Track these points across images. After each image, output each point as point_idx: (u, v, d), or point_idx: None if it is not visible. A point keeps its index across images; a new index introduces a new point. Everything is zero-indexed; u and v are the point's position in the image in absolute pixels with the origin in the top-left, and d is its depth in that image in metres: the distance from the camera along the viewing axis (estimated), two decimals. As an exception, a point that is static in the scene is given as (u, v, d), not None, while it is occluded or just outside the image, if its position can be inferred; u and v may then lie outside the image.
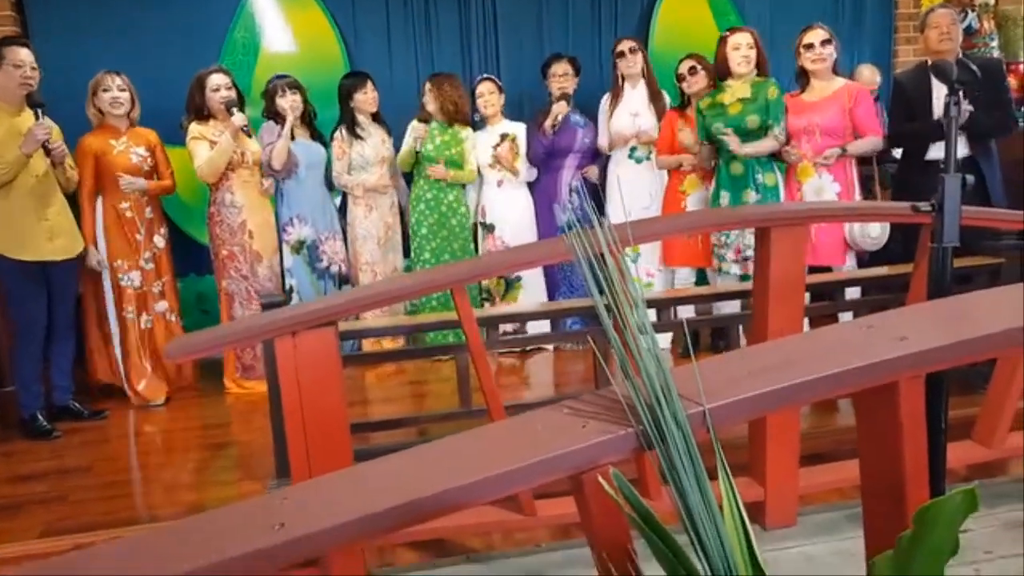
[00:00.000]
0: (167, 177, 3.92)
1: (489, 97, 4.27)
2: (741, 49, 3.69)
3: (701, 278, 4.11)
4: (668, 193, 4.12)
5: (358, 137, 4.18)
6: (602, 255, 0.96)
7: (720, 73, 3.79)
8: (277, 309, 1.97)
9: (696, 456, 0.85)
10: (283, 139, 3.87)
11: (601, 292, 0.97)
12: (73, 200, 3.66)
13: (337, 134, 4.14)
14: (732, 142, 3.62)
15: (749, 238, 3.68)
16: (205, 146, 3.82)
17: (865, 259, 3.94)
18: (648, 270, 4.23)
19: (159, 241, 3.89)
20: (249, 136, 3.93)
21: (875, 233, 3.59)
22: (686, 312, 3.91)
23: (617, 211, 4.11)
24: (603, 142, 4.30)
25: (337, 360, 1.98)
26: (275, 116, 3.99)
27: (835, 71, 3.73)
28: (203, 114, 3.86)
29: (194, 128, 3.84)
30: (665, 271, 4.23)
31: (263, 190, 4.00)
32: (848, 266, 3.71)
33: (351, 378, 4.20)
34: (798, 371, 0.91)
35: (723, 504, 0.84)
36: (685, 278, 4.14)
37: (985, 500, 2.27)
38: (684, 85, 4.01)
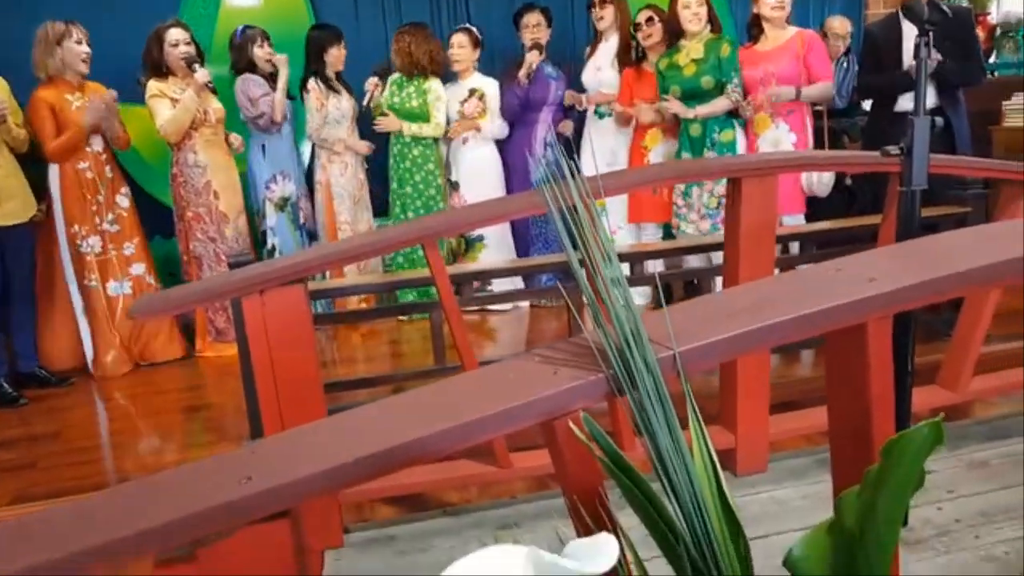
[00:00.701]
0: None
1: (459, 51, 4.19)
2: (691, 7, 3.69)
3: (668, 234, 4.13)
4: (632, 150, 4.12)
5: (333, 90, 4.09)
6: (574, 207, 0.95)
7: (673, 30, 3.79)
8: (246, 267, 1.93)
9: (666, 399, 0.85)
10: (282, 90, 3.81)
11: (575, 247, 0.95)
12: (24, 160, 3.52)
13: (312, 85, 4.03)
14: (676, 108, 3.64)
15: (706, 198, 3.71)
16: (166, 104, 3.72)
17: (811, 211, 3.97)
18: (613, 227, 4.24)
19: (122, 201, 3.79)
20: (214, 93, 3.83)
21: (827, 179, 3.67)
22: (656, 267, 3.92)
23: (588, 167, 4.10)
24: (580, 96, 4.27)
25: (307, 318, 1.96)
26: (249, 68, 3.89)
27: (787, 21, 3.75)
28: (162, 71, 3.75)
29: (153, 85, 3.73)
30: (631, 227, 4.23)
31: (234, 148, 3.91)
32: (799, 218, 3.75)
33: (326, 339, 4.19)
34: (767, 313, 0.91)
35: (694, 447, 0.84)
36: (652, 234, 4.15)
37: (949, 442, 2.33)
38: (640, 36, 3.99)
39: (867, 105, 4.10)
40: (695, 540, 0.77)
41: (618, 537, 0.83)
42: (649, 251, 3.14)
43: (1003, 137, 6.12)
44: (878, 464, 0.66)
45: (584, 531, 0.90)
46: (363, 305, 4.14)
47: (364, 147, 4.19)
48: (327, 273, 3.96)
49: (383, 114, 4.16)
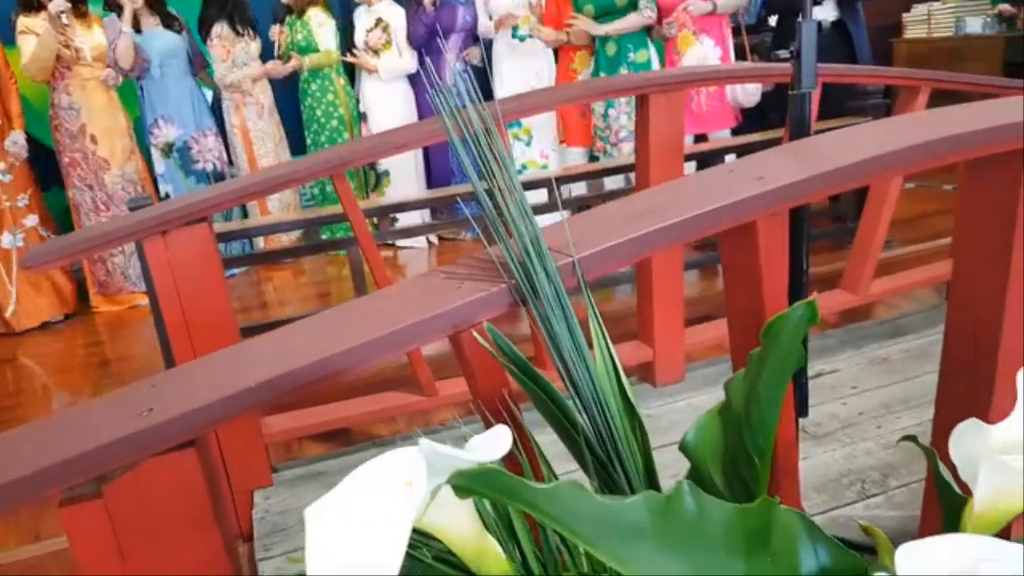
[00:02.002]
0: None
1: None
2: None
3: (595, 159, 4.15)
4: (560, 72, 4.08)
5: (239, 34, 3.90)
6: (484, 132, 0.94)
7: None
8: (144, 208, 1.86)
9: (567, 305, 0.87)
10: (125, 35, 3.55)
11: (481, 176, 0.95)
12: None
13: (217, 31, 3.84)
14: (584, 24, 3.62)
15: (624, 120, 3.74)
16: (33, 40, 3.49)
17: (740, 125, 4.05)
18: (543, 152, 4.23)
19: (13, 147, 3.57)
20: (90, 27, 3.60)
21: (751, 88, 3.73)
22: (580, 191, 3.96)
23: (504, 94, 4.06)
24: (486, 22, 4.18)
25: (216, 259, 1.91)
26: (117, 7, 3.67)
27: None
28: (32, 5, 3.50)
29: (22, 21, 3.46)
30: (561, 152, 4.23)
31: (109, 85, 3.69)
32: (726, 133, 3.82)
33: (248, 283, 4.10)
34: (661, 217, 0.93)
35: (595, 349, 0.86)
36: (578, 158, 4.16)
37: (853, 342, 2.45)
38: None
39: (773, 21, 4.15)
40: (598, 435, 0.79)
41: (523, 434, 0.86)
42: (565, 175, 3.15)
43: (904, 49, 6.29)
44: (760, 347, 0.69)
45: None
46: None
47: (281, 70, 4.01)
48: (249, 214, 3.86)
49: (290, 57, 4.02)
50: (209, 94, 4.18)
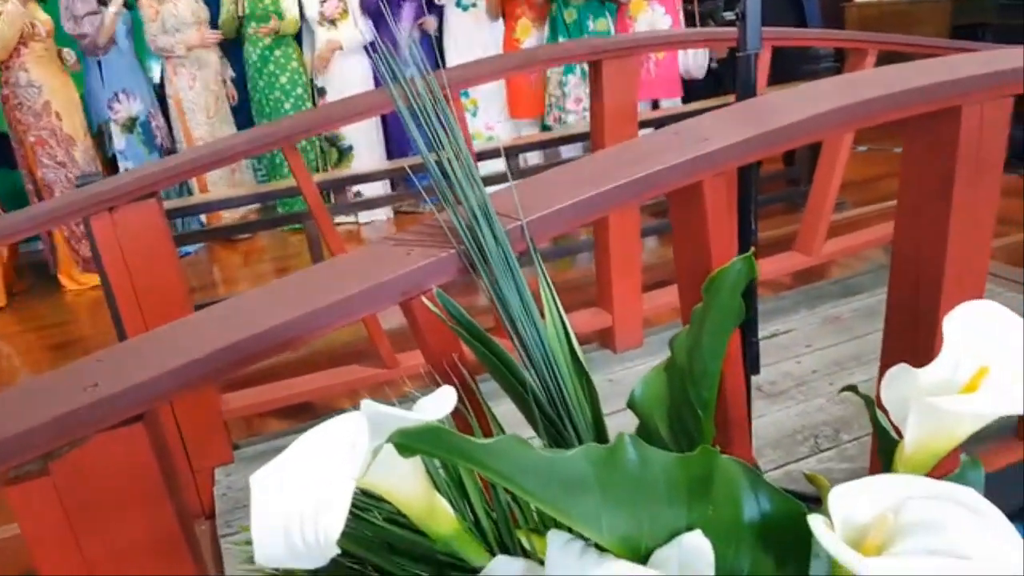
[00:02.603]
0: None
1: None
2: None
3: (547, 129, 4.14)
4: (505, 42, 4.05)
5: None
6: (431, 100, 0.93)
7: None
8: (90, 184, 1.82)
9: (516, 269, 0.87)
10: (115, 5, 3.47)
11: (431, 148, 0.94)
12: None
13: None
14: None
15: (583, 87, 3.73)
16: (-1, 19, 3.38)
17: (690, 94, 4.07)
18: (488, 123, 4.20)
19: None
20: (40, 2, 3.49)
21: (701, 60, 3.75)
22: (535, 161, 3.94)
23: (457, 62, 4.02)
24: None
25: (166, 235, 1.88)
26: None
27: None
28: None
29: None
30: (509, 123, 4.21)
31: (68, 65, 3.60)
32: (676, 101, 3.84)
33: (203, 262, 4.04)
34: (608, 179, 0.94)
35: (545, 311, 0.87)
36: (528, 130, 4.15)
37: (807, 302, 2.50)
38: None
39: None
40: (548, 395, 0.80)
41: (475, 400, 0.86)
42: (520, 144, 3.14)
43: (855, 13, 6.33)
44: (702, 302, 0.71)
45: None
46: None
47: (212, 37, 3.91)
48: (195, 190, 3.79)
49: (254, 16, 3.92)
50: (155, 72, 4.08)
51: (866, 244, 2.64)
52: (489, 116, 4.17)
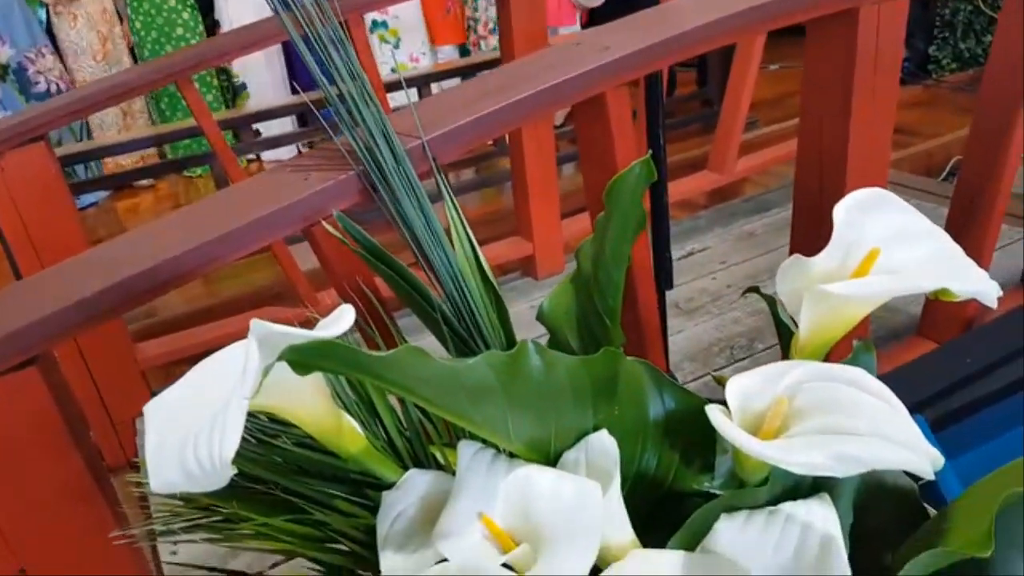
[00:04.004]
0: None
1: None
2: None
3: (468, 54, 4.04)
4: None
5: None
6: (320, 16, 0.89)
7: None
8: (-32, 131, 1.70)
9: (418, 187, 0.85)
10: None
11: (332, 81, 0.90)
12: None
13: None
14: None
15: (492, 11, 3.65)
16: None
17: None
18: (412, 54, 4.09)
19: None
20: None
21: None
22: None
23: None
24: None
25: (60, 182, 1.78)
26: None
27: None
28: None
29: None
30: (431, 53, 4.10)
31: None
32: (575, 27, 3.80)
33: (105, 212, 3.87)
34: (510, 93, 0.92)
35: (451, 229, 0.85)
36: (450, 56, 4.05)
37: (722, 220, 2.54)
38: None
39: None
40: (458, 314, 0.80)
41: (383, 325, 0.85)
42: (434, 72, 3.07)
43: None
44: (604, 211, 0.70)
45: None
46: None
47: None
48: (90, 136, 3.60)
49: None
50: (42, 12, 3.81)
51: (777, 160, 2.70)
52: (413, 48, 4.06)
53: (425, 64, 4.07)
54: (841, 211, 0.56)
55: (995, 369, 1.22)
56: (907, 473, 0.66)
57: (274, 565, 1.40)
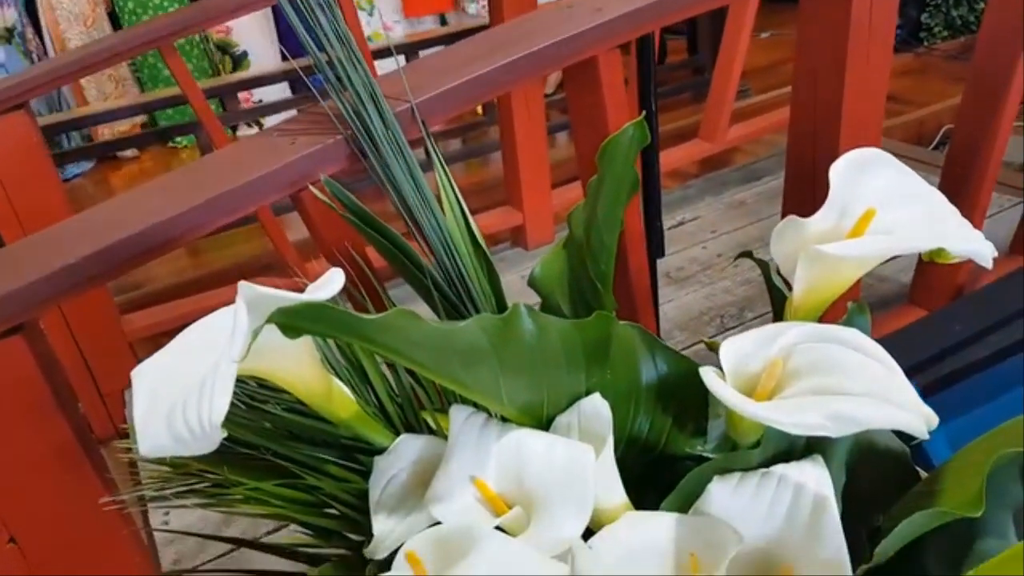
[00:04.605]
0: None
1: None
2: None
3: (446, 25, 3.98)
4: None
5: None
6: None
7: None
8: (-54, 98, 1.67)
9: (407, 151, 0.84)
10: None
11: (322, 48, 0.88)
12: None
13: None
14: None
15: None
16: None
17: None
18: (386, 23, 4.03)
19: None
20: None
21: None
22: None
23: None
24: None
25: (42, 151, 1.75)
26: None
27: None
28: None
29: None
30: (406, 22, 4.04)
31: None
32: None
33: (91, 185, 3.82)
34: (501, 55, 0.90)
35: (441, 194, 0.84)
36: (428, 26, 3.99)
37: (712, 189, 2.53)
38: None
39: None
40: (447, 278, 0.79)
41: (374, 290, 0.84)
42: (420, 40, 3.03)
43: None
44: (597, 173, 0.69)
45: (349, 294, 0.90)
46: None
47: None
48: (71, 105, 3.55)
49: None
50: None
51: (769, 128, 2.68)
52: (387, 16, 3.99)
53: (398, 33, 4.00)
54: (837, 170, 0.55)
55: (985, 336, 1.22)
56: (898, 435, 0.66)
57: (267, 533, 1.40)
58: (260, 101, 3.65)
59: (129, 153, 3.90)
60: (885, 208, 0.55)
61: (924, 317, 1.48)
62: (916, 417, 0.45)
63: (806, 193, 1.15)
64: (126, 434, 1.85)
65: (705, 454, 0.64)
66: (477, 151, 3.43)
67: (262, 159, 0.84)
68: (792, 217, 0.57)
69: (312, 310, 0.48)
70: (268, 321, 0.47)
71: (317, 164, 0.85)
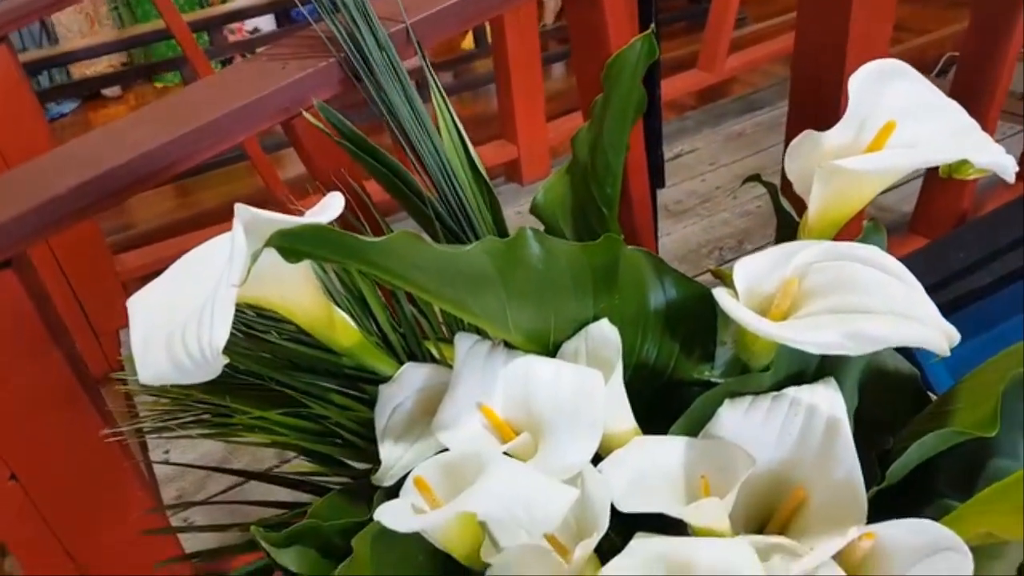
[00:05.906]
0: None
1: None
2: None
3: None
4: None
5: None
6: None
7: None
8: (-80, 30, 1.61)
9: (403, 74, 0.81)
10: None
11: None
12: None
13: None
14: None
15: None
16: None
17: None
18: None
19: None
20: None
21: None
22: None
23: None
24: None
25: (24, 86, 1.70)
26: None
27: None
28: None
29: None
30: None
31: None
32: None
33: (78, 125, 3.75)
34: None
35: (439, 118, 0.81)
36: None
37: (711, 120, 2.50)
38: None
39: None
40: (446, 205, 0.77)
41: (371, 217, 0.82)
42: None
43: None
44: (602, 92, 0.67)
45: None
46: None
47: None
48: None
49: None
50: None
51: (768, 57, 2.62)
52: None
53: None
54: (856, 82, 0.53)
55: (988, 262, 1.21)
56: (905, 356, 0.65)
57: (269, 469, 1.41)
58: (256, 30, 3.55)
59: (113, 92, 3.82)
60: (906, 121, 0.53)
61: (926, 244, 1.47)
62: (938, 333, 0.44)
63: (810, 123, 1.12)
64: (123, 367, 1.84)
65: (713, 379, 0.63)
66: (469, 84, 3.36)
67: (252, 85, 0.81)
68: (808, 131, 0.55)
69: (313, 232, 0.46)
70: (267, 244, 0.45)
71: (309, 88, 0.81)
